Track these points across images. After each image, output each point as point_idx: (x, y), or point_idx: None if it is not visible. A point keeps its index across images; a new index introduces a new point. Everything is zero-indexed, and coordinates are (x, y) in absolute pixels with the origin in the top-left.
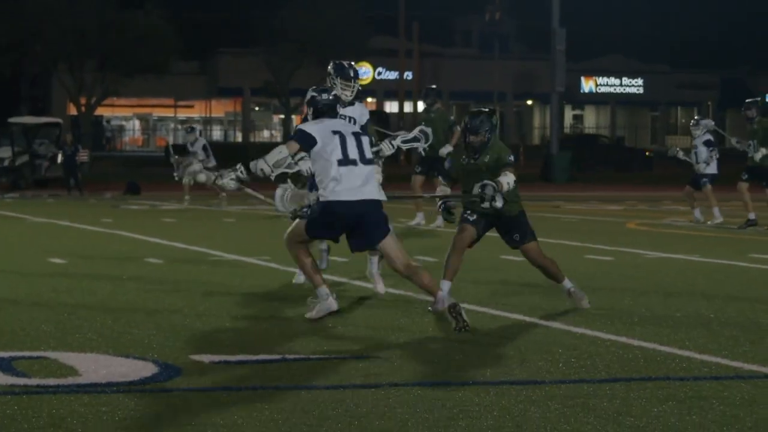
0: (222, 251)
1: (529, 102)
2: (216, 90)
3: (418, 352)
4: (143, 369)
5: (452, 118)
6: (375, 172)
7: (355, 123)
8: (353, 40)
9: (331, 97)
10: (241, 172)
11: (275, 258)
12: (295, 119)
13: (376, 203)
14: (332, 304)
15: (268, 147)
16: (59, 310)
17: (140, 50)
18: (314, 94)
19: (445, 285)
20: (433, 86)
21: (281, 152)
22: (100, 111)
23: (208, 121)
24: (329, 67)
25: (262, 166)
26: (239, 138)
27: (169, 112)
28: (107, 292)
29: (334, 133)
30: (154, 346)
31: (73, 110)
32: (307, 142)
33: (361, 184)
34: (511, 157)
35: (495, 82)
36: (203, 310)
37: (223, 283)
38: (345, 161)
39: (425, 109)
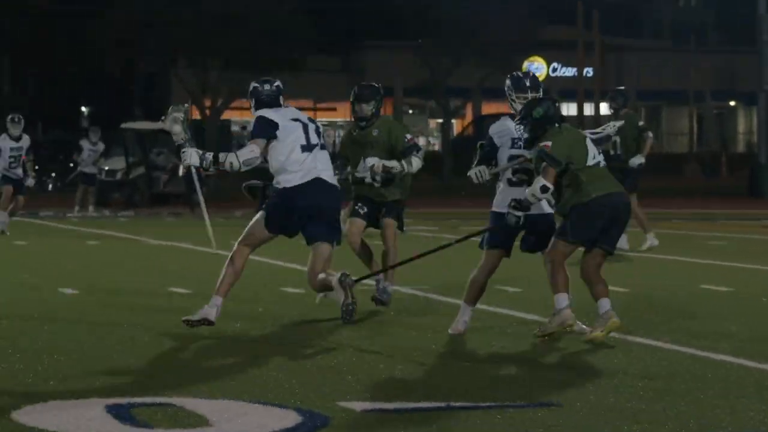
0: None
1: (732, 103)
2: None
3: (604, 398)
4: (284, 418)
5: (641, 123)
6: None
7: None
8: (522, 30)
9: (273, 88)
10: (211, 158)
11: (436, 288)
12: (455, 124)
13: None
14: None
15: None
16: (184, 348)
17: (272, 44)
18: (256, 85)
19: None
20: (622, 87)
21: (252, 151)
22: (227, 115)
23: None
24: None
25: (232, 159)
26: None
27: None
28: (240, 328)
29: (294, 120)
30: (296, 391)
31: (195, 114)
32: (268, 131)
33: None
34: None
35: (691, 80)
36: (355, 347)
37: (382, 315)
38: (308, 147)
39: (613, 114)
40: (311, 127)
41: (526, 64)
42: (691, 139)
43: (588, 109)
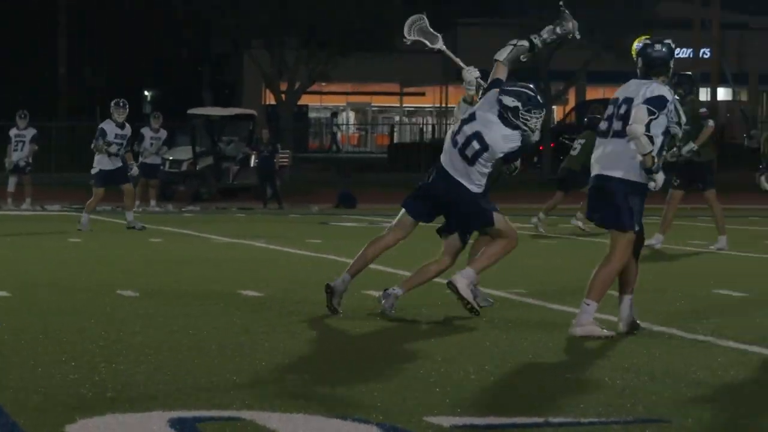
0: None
1: None
2: (454, 72)
3: (719, 414)
4: None
5: (703, 110)
6: None
7: None
8: (631, 7)
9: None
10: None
11: (533, 292)
12: (556, 110)
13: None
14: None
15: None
16: (254, 356)
17: (355, 21)
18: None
19: None
20: (688, 72)
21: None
22: (304, 100)
23: (443, 114)
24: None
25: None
26: None
27: (393, 101)
28: (314, 335)
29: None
30: (378, 404)
31: (270, 99)
32: None
33: None
34: None
35: None
36: (444, 356)
37: (473, 321)
38: None
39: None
40: None
41: (636, 45)
42: None
43: (704, 94)
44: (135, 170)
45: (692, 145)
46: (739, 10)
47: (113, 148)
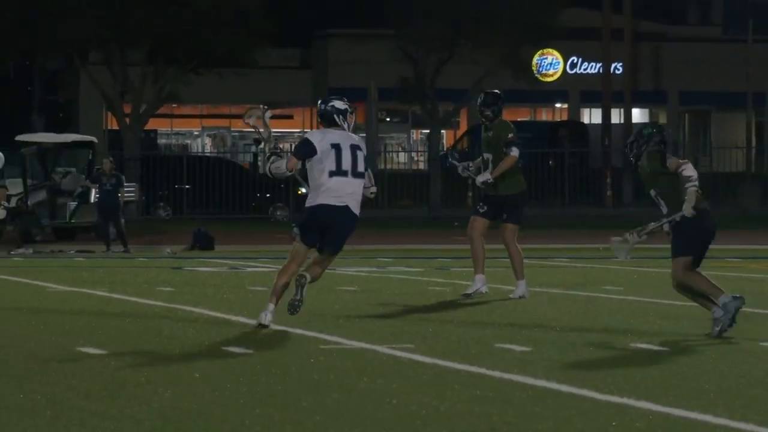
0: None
1: None
2: (326, 92)
3: None
4: None
5: (511, 135)
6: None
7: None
8: (531, 15)
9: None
10: (271, 151)
11: None
12: (446, 135)
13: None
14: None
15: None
16: (97, 427)
17: (210, 32)
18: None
19: None
20: (496, 91)
21: (281, 167)
22: (152, 124)
23: None
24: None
25: (267, 168)
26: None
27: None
28: (167, 398)
29: (333, 146)
30: None
31: (113, 123)
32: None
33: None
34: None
35: (743, 78)
36: None
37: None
38: (337, 173)
39: (483, 126)
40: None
41: (536, 59)
42: (748, 153)
43: (616, 116)
44: (2, 212)
45: (486, 177)
46: (654, 19)
47: None
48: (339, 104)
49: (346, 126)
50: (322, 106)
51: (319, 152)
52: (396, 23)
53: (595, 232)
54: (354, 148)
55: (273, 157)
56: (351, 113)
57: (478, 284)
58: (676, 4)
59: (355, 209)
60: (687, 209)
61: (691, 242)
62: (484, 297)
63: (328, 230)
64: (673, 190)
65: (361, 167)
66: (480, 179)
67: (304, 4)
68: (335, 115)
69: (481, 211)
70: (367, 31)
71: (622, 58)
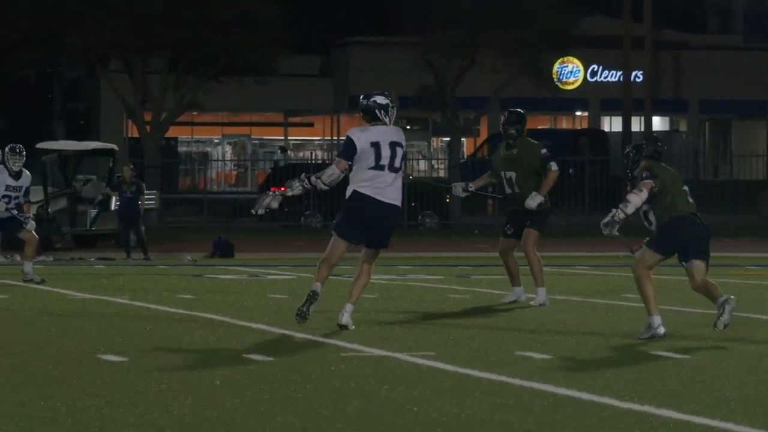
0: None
1: None
2: (346, 100)
3: None
4: None
5: (544, 150)
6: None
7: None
8: (551, 23)
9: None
10: (306, 182)
11: None
12: (466, 143)
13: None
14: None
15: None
16: None
17: (232, 41)
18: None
19: None
20: (519, 109)
21: (333, 173)
22: (173, 132)
23: (334, 147)
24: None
25: (319, 184)
26: None
27: (276, 133)
28: (188, 404)
29: (372, 144)
30: None
31: (133, 131)
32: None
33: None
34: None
35: (764, 86)
36: None
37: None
38: (375, 168)
39: (506, 144)
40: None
41: (557, 67)
42: None
43: (636, 125)
44: (32, 224)
45: (540, 198)
46: (675, 27)
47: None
48: (381, 99)
49: (387, 120)
50: (364, 102)
51: (359, 150)
52: (417, 31)
53: (616, 240)
54: (393, 145)
55: (313, 177)
56: (392, 107)
57: (517, 294)
58: (696, 13)
59: (395, 201)
60: (533, 201)
61: (668, 243)
62: (508, 305)
63: (370, 225)
64: (660, 202)
65: (398, 163)
66: (533, 204)
67: (325, 12)
68: (377, 110)
69: (509, 233)
70: (388, 39)
71: (643, 66)
